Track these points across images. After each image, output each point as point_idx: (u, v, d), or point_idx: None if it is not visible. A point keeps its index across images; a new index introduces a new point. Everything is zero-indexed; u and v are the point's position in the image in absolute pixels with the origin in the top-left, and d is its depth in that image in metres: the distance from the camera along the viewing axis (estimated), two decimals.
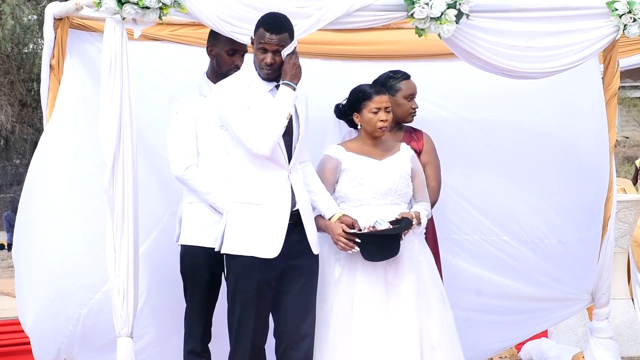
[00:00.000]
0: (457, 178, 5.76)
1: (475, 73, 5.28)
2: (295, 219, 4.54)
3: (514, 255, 5.87)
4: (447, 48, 5.00)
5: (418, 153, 5.18)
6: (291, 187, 4.54)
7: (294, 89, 4.42)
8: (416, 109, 5.25)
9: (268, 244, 4.49)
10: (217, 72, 4.88)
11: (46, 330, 4.87)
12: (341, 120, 5.04)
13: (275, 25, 4.44)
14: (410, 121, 5.30)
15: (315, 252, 4.62)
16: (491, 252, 5.87)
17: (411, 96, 5.23)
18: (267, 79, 4.50)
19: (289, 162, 4.53)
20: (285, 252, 4.50)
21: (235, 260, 4.52)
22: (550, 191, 5.83)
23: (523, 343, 6.49)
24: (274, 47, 4.43)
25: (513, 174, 5.83)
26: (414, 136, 5.29)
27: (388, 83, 5.18)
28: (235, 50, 4.83)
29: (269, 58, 4.44)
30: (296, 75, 4.44)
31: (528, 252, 5.86)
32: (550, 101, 5.75)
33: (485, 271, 5.85)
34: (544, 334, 6.62)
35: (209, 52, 4.90)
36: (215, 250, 4.60)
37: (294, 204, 4.53)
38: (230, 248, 4.53)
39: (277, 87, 4.51)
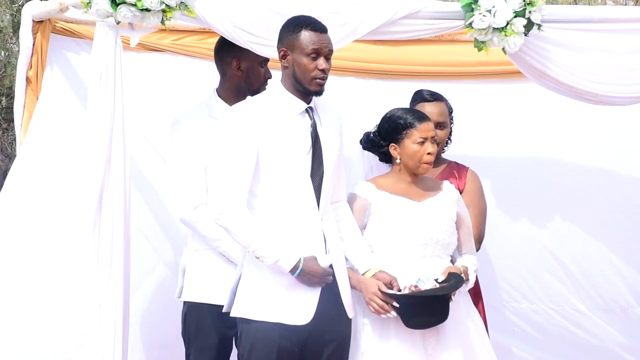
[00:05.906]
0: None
1: (545, 97, 4.97)
2: None
3: (590, 330, 5.47)
4: (509, 65, 4.66)
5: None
6: (324, 237, 4.08)
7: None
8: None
9: (297, 309, 4.01)
10: (243, 90, 4.43)
11: None
12: (368, 152, 4.63)
13: (320, 24, 4.06)
14: None
15: (350, 315, 4.17)
16: (561, 325, 5.47)
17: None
18: (318, 92, 4.06)
19: (319, 205, 4.06)
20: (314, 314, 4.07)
21: (252, 323, 4.03)
22: (637, 250, 5.46)
23: None
24: (327, 49, 4.05)
25: (593, 226, 5.41)
26: (454, 172, 4.85)
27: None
28: (267, 59, 4.47)
29: (323, 62, 4.02)
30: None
31: (607, 324, 5.46)
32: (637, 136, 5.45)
33: (549, 355, 5.48)
34: None
35: (236, 68, 4.44)
36: (224, 311, 4.15)
37: None
38: (246, 312, 4.04)
39: (307, 110, 4.08)
